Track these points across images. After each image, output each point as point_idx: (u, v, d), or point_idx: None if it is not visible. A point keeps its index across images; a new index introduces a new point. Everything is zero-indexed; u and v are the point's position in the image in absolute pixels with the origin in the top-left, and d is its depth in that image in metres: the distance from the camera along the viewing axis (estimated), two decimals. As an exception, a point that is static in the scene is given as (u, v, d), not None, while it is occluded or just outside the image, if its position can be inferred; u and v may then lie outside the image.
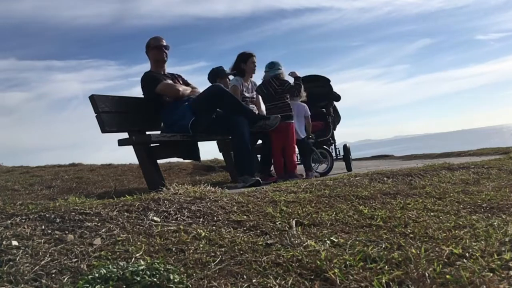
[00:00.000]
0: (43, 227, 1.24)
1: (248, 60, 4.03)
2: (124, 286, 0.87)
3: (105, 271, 0.91)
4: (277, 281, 0.96)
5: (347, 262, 1.05)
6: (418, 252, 1.09)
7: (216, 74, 4.27)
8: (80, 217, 1.35)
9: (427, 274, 0.93)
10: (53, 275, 0.94)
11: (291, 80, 3.91)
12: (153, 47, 3.43)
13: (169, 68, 3.62)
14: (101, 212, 1.41)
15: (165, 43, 3.46)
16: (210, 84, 3.90)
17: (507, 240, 1.17)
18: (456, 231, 1.32)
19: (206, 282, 0.95)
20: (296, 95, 3.91)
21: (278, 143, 3.81)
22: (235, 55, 4.13)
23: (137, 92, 3.52)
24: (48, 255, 1.03)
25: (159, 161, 3.26)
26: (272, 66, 3.90)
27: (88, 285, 0.87)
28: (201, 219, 1.50)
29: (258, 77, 4.20)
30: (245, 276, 0.99)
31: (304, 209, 1.69)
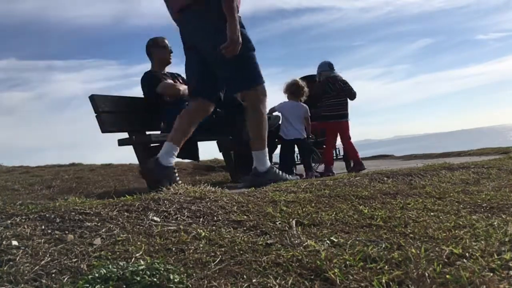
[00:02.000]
0: (43, 227, 1.24)
1: None
2: (124, 286, 0.87)
3: (105, 271, 0.91)
4: (277, 281, 0.96)
5: (347, 262, 1.05)
6: (418, 252, 1.09)
7: None
8: (80, 217, 1.35)
9: (427, 274, 0.93)
10: (53, 275, 0.94)
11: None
12: (162, 46, 3.43)
13: (170, 68, 3.63)
14: (101, 212, 1.41)
15: (170, 46, 3.47)
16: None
17: (507, 240, 1.17)
18: (456, 231, 1.32)
19: (206, 282, 0.95)
20: (352, 98, 4.23)
21: (330, 140, 4.09)
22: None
23: (137, 91, 3.53)
24: (48, 255, 1.03)
25: (159, 161, 3.26)
26: (332, 67, 4.19)
27: (88, 285, 0.87)
28: (201, 219, 1.50)
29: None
30: (245, 276, 0.99)
31: (304, 209, 1.69)
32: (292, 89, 3.99)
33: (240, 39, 2.24)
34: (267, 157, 2.62)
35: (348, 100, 4.27)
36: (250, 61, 2.40)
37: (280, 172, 2.67)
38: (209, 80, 2.47)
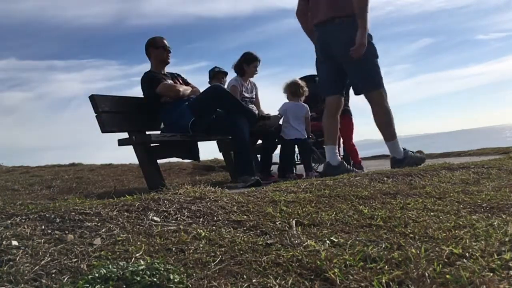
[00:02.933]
0: (43, 227, 1.24)
1: (251, 64, 4.03)
2: (124, 286, 0.87)
3: (105, 271, 0.91)
4: (277, 281, 0.96)
5: (347, 262, 1.05)
6: (418, 252, 1.09)
7: (212, 76, 4.30)
8: (80, 217, 1.35)
9: (427, 274, 0.94)
10: (53, 275, 0.94)
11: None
12: (160, 46, 3.43)
13: (170, 68, 3.63)
14: (101, 212, 1.41)
15: (169, 45, 3.47)
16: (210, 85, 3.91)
17: (507, 240, 1.17)
18: (456, 231, 1.32)
19: (206, 282, 0.95)
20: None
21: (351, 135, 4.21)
22: (237, 55, 4.15)
23: (138, 92, 3.53)
24: (48, 255, 1.03)
25: (159, 161, 3.27)
26: None
27: (88, 285, 0.87)
28: (201, 219, 1.50)
29: (258, 77, 4.21)
30: (245, 276, 0.99)
31: (304, 209, 1.69)
32: (292, 89, 3.98)
33: (366, 43, 2.78)
34: (400, 145, 3.03)
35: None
36: (377, 68, 2.94)
37: (414, 154, 3.09)
38: (341, 81, 3.08)
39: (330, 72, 3.09)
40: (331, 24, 2.90)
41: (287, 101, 4.02)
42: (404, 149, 3.05)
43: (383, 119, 2.98)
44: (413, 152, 3.13)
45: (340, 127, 4.19)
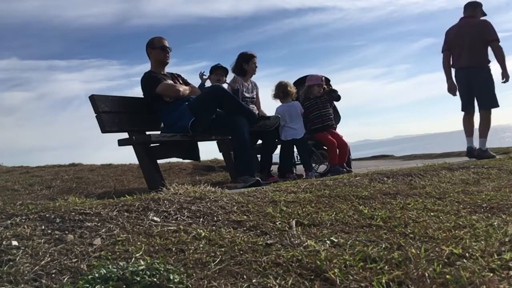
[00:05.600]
0: (43, 227, 1.24)
1: (250, 61, 4.04)
2: (124, 286, 0.87)
3: (105, 271, 0.91)
4: (277, 281, 0.96)
5: (347, 262, 1.05)
6: (418, 252, 1.09)
7: (210, 72, 4.29)
8: (80, 217, 1.35)
9: (427, 274, 0.94)
10: (53, 275, 0.94)
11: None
12: (158, 46, 3.42)
13: (170, 68, 3.62)
14: (101, 212, 1.41)
15: (168, 45, 3.46)
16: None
17: (507, 240, 1.17)
18: (456, 231, 1.32)
19: (206, 282, 0.95)
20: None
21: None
22: (237, 55, 4.14)
23: (139, 92, 3.53)
24: (48, 255, 1.03)
25: (159, 161, 3.26)
26: None
27: (88, 285, 0.87)
28: (201, 219, 1.50)
29: (258, 77, 4.21)
30: (245, 276, 0.99)
31: (304, 209, 1.69)
32: (281, 92, 4.06)
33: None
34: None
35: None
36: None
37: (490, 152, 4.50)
38: (473, 102, 4.60)
39: (469, 97, 4.61)
40: (473, 69, 4.53)
41: (279, 104, 4.08)
42: (487, 148, 4.54)
43: (488, 127, 4.55)
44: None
45: (337, 139, 4.20)
